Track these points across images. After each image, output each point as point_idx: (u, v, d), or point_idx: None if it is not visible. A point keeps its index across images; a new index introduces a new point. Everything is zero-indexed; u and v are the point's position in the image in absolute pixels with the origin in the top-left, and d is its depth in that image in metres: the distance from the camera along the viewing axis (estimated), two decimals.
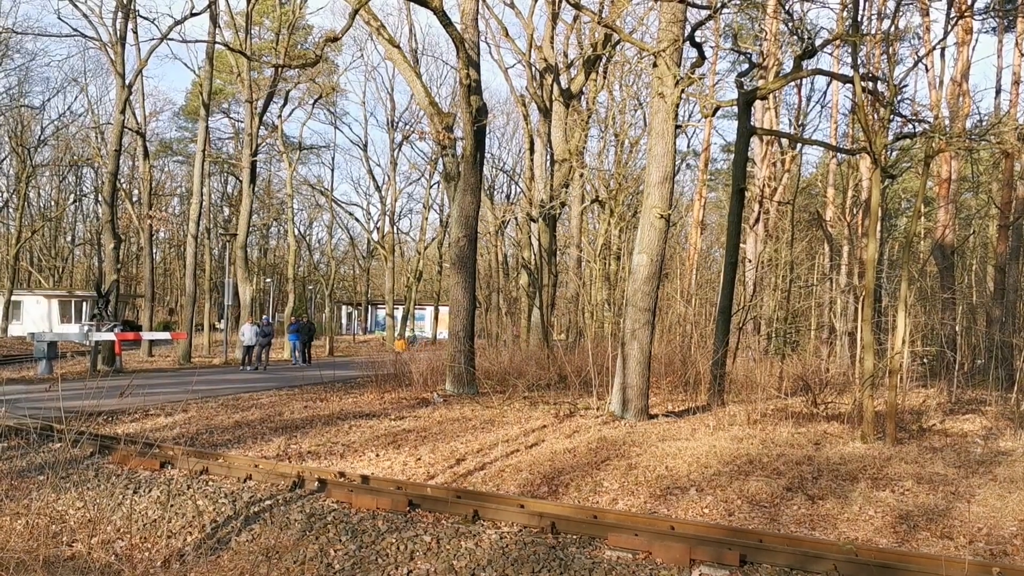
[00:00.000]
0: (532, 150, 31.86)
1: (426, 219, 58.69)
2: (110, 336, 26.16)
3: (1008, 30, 29.63)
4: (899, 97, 20.16)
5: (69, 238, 65.44)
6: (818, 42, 18.39)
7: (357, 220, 59.86)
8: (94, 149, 51.24)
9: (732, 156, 22.40)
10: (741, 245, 28.60)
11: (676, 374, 20.73)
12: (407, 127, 52.79)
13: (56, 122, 53.77)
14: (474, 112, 20.14)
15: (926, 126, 20.82)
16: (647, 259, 16.12)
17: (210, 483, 10.62)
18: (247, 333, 29.85)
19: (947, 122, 24.58)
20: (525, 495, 10.55)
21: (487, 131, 23.67)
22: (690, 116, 41.61)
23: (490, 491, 10.76)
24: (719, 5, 17.73)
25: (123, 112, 29.83)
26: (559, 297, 37.33)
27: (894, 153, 24.87)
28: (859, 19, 18.81)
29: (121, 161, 35.45)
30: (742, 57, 24.99)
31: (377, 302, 69.74)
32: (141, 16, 33.40)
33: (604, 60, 30.47)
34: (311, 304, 71.58)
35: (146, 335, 32.50)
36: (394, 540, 8.39)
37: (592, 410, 17.08)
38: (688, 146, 45.19)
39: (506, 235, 51.48)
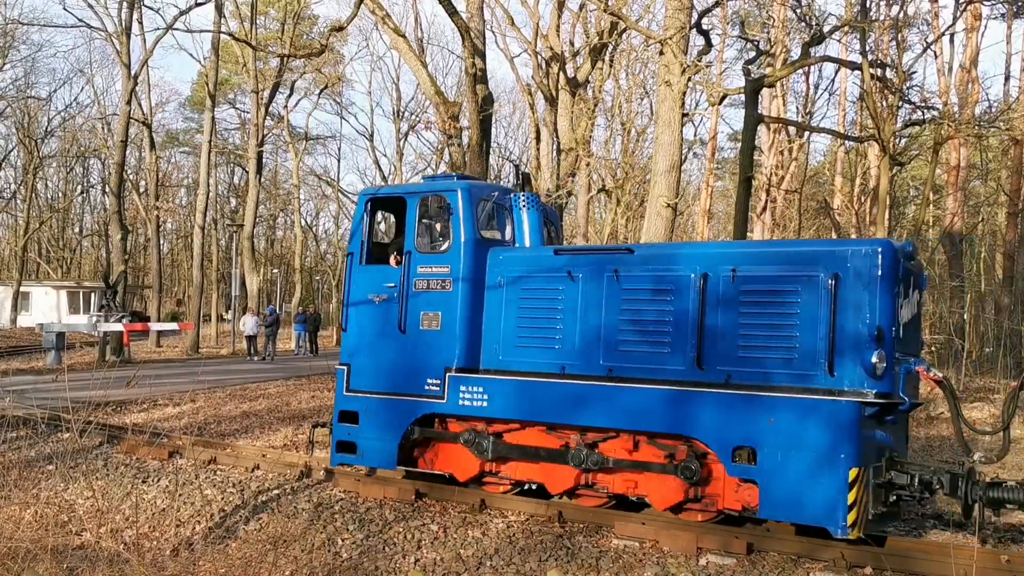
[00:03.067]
0: (538, 139, 31.74)
1: None
2: (118, 327, 26.24)
3: (1017, 16, 29.38)
4: (908, 84, 20.02)
5: (77, 229, 65.63)
6: (826, 29, 18.25)
7: None
8: (101, 140, 51.30)
9: (739, 144, 22.29)
10: (748, 234, 28.50)
11: None
12: (413, 117, 52.69)
13: (63, 113, 53.82)
14: (480, 101, 20.07)
15: (935, 113, 20.68)
16: None
17: (218, 473, 10.66)
18: (248, 323, 30.03)
19: (956, 109, 24.42)
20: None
21: (493, 120, 23.58)
22: (697, 104, 41.35)
23: None
24: None
25: (129, 103, 29.84)
26: None
27: (903, 140, 24.71)
28: (867, 5, 18.70)
29: (128, 152, 35.46)
30: (749, 44, 24.85)
31: None
32: (146, 6, 33.38)
33: (610, 48, 30.32)
34: (318, 294, 71.70)
35: (154, 326, 32.60)
36: (401, 529, 8.40)
37: None
38: (695, 134, 44.93)
39: None
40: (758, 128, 21.58)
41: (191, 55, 73.82)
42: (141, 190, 47.79)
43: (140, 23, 33.58)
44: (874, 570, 7.00)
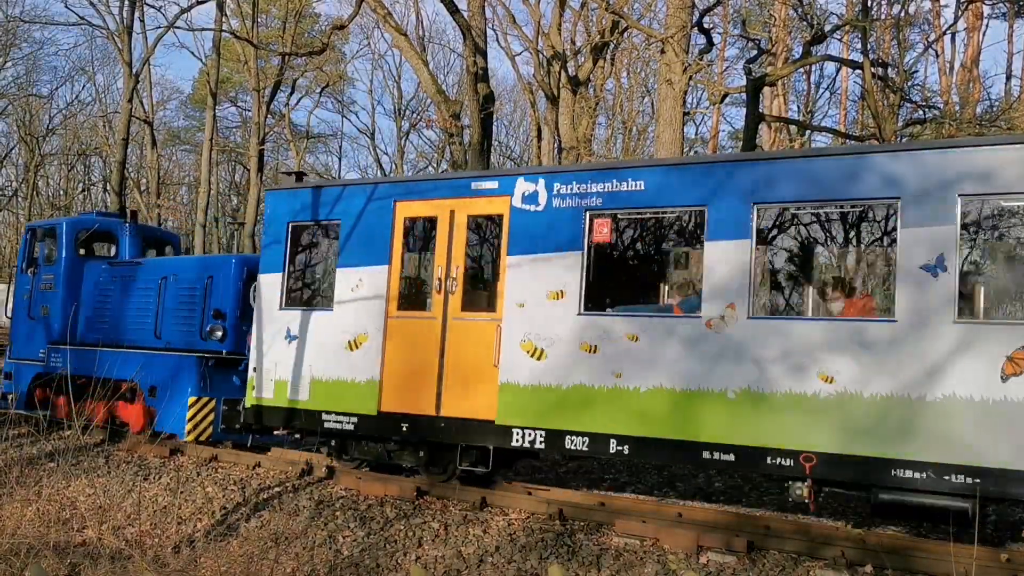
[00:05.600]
0: (539, 138, 31.71)
1: None
2: None
3: (1019, 16, 29.34)
4: (909, 83, 20.02)
5: None
6: (827, 28, 18.25)
7: None
8: (102, 138, 51.25)
9: (740, 143, 22.29)
10: None
11: None
12: (414, 115, 52.64)
13: (64, 111, 53.78)
14: (481, 100, 20.08)
15: (936, 112, 20.68)
16: None
17: (219, 470, 10.67)
18: None
19: (957, 108, 24.39)
20: (532, 482, 10.58)
21: (494, 119, 23.56)
22: (698, 103, 41.32)
23: (497, 477, 10.78)
24: None
25: (130, 101, 29.82)
26: None
27: (904, 139, 24.72)
28: (869, 4, 18.67)
29: (129, 150, 35.42)
30: (751, 43, 24.84)
31: None
32: (148, 4, 33.33)
33: (612, 47, 30.30)
34: None
35: None
36: (402, 527, 8.42)
37: None
38: (696, 133, 44.89)
39: None
40: (759, 127, 21.57)
41: (192, 53, 73.67)
42: (142, 188, 47.80)
43: (142, 21, 33.58)
44: (874, 568, 7.02)
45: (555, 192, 8.81)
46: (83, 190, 62.96)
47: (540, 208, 8.86)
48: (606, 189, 8.61)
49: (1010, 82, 28.83)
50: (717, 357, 7.83)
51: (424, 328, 9.32)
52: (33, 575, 6.17)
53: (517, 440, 8.60)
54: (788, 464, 7.46)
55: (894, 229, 7.48)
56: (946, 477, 6.92)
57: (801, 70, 29.75)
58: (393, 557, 7.79)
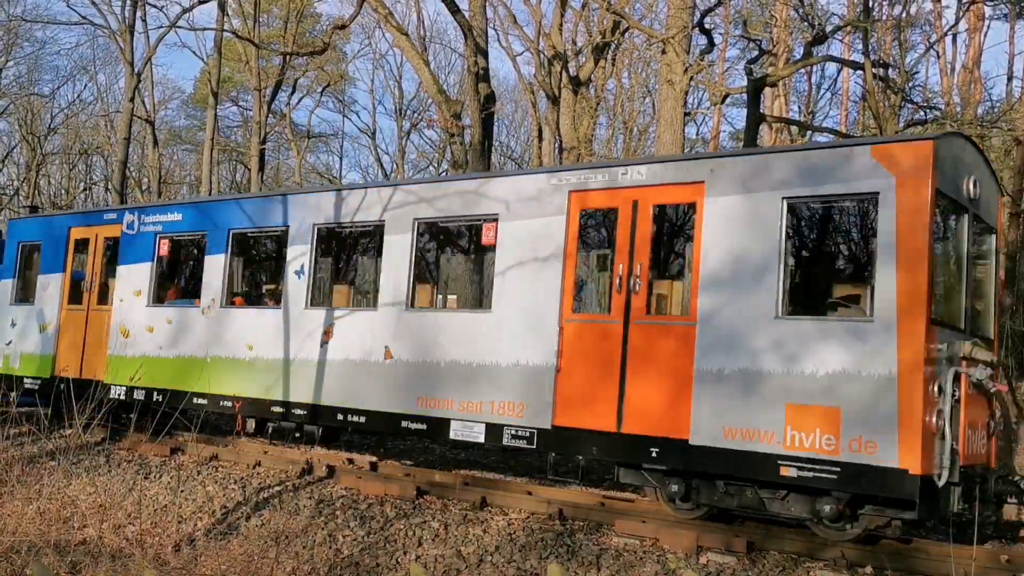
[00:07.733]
0: (540, 138, 31.70)
1: None
2: None
3: (1020, 17, 29.31)
4: (910, 84, 20.01)
5: None
6: (829, 28, 18.24)
7: None
8: (104, 137, 51.25)
9: (741, 144, 22.28)
10: None
11: None
12: (415, 115, 52.58)
13: (66, 110, 53.73)
14: (482, 100, 20.08)
15: (937, 113, 20.69)
16: None
17: (220, 469, 10.69)
18: None
19: (958, 109, 24.38)
20: (533, 481, 10.58)
21: (495, 119, 23.55)
22: (699, 103, 41.27)
23: (497, 477, 10.80)
24: None
25: (132, 100, 29.81)
26: None
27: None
28: (870, 5, 18.68)
29: (130, 149, 35.44)
30: (752, 44, 24.81)
31: None
32: (149, 3, 33.29)
33: (613, 47, 30.29)
34: None
35: None
36: (402, 526, 8.42)
37: None
38: (697, 133, 44.83)
39: None
40: (760, 127, 21.56)
41: (194, 52, 73.43)
42: (144, 187, 47.78)
43: (144, 20, 33.53)
44: (874, 569, 7.02)
45: (142, 221, 12.98)
46: (84, 189, 62.93)
47: (135, 232, 12.99)
48: (166, 219, 12.66)
49: (1011, 83, 28.79)
50: (206, 334, 11.72)
51: (79, 317, 13.69)
52: (34, 573, 6.18)
53: (114, 394, 12.45)
54: (230, 405, 11.24)
55: (285, 246, 11.20)
56: (295, 411, 10.61)
57: (802, 71, 29.75)
58: (393, 556, 7.79)
